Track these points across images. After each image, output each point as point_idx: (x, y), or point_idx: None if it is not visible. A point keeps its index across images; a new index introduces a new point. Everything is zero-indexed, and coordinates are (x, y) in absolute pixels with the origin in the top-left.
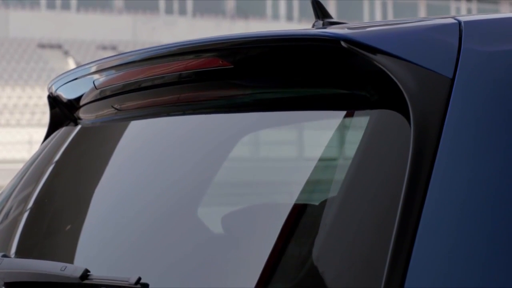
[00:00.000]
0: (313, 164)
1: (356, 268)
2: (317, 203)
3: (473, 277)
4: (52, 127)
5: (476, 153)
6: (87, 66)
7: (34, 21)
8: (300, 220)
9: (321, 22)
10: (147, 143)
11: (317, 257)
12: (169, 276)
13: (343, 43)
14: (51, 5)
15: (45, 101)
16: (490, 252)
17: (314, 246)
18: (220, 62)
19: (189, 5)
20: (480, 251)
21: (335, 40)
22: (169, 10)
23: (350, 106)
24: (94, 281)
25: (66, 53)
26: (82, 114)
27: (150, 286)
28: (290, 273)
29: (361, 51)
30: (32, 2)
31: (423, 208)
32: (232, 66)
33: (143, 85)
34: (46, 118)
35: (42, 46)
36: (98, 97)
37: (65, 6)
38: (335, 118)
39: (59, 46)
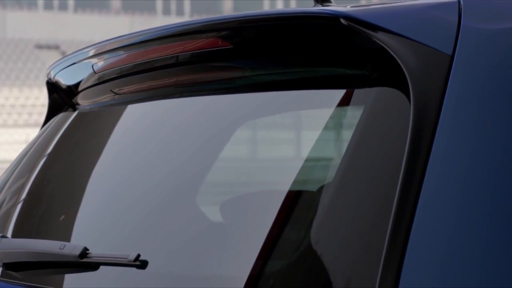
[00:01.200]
0: (312, 144)
1: (354, 249)
2: (315, 186)
3: (473, 254)
4: (51, 113)
5: (476, 130)
6: (85, 50)
7: (31, 22)
8: (299, 203)
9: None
10: (145, 127)
11: (316, 240)
12: (167, 255)
13: (342, 21)
14: (48, 5)
15: (42, 101)
16: (490, 228)
17: (312, 228)
18: (220, 42)
19: (187, 5)
20: (481, 228)
21: (334, 17)
22: (166, 11)
23: (350, 85)
24: (93, 259)
25: (64, 53)
26: (80, 99)
27: (149, 264)
28: (288, 256)
29: (361, 28)
30: (30, 2)
31: (422, 186)
32: (232, 47)
33: (142, 68)
34: (43, 118)
35: (39, 46)
36: (97, 81)
37: (63, 6)
38: (334, 96)
39: (56, 47)
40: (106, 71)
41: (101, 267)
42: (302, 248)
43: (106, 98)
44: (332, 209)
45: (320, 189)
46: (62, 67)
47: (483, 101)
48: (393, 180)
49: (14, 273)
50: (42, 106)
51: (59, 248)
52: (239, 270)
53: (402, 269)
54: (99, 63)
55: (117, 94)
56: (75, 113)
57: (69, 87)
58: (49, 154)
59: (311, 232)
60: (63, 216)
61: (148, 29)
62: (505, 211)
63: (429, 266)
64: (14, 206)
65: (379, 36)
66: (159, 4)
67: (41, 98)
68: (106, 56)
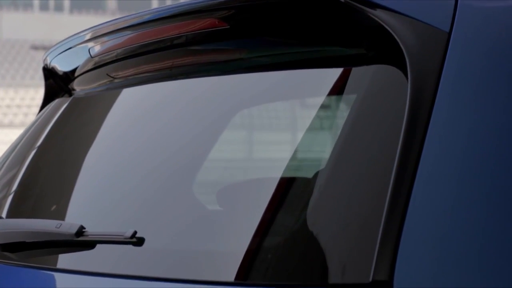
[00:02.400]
0: (308, 125)
1: (350, 232)
2: (312, 167)
3: (472, 235)
4: (47, 99)
5: (474, 107)
6: (81, 34)
7: (27, 23)
8: (296, 187)
9: None
10: (142, 110)
11: (312, 224)
12: (163, 233)
13: None
14: (44, 6)
15: (38, 102)
16: (490, 206)
17: (308, 212)
18: (217, 23)
19: None
20: (479, 207)
21: None
22: None
23: (347, 63)
24: (89, 237)
25: None
26: (76, 85)
27: (145, 241)
28: (283, 239)
29: (358, 5)
30: (25, 3)
31: (419, 166)
32: (229, 27)
33: (139, 51)
34: None
35: (35, 47)
36: (93, 66)
37: (58, 7)
38: (331, 76)
39: None
40: (102, 55)
41: (98, 246)
42: (298, 231)
43: (102, 83)
44: (328, 191)
45: (317, 171)
46: (58, 52)
47: (480, 78)
48: (390, 160)
49: (10, 254)
50: (37, 107)
51: (55, 227)
52: (235, 247)
53: (398, 251)
54: (96, 47)
55: (113, 78)
56: (71, 98)
57: (65, 72)
58: (45, 138)
59: (307, 215)
60: (58, 198)
61: (144, 11)
62: (504, 189)
63: (426, 248)
64: (9, 188)
65: (377, 14)
66: (155, 5)
67: (37, 99)
68: (102, 39)
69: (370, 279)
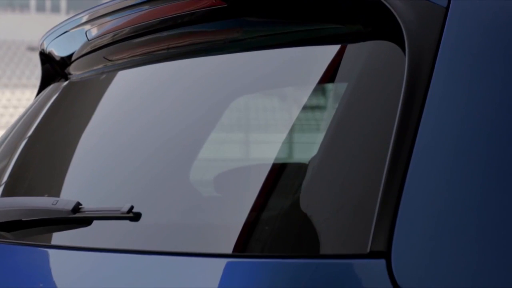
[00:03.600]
0: (304, 103)
1: (347, 207)
2: (310, 144)
3: (470, 203)
4: (44, 84)
5: (471, 80)
6: (78, 17)
7: (23, 24)
8: (294, 163)
9: None
10: (138, 92)
11: (309, 200)
12: (160, 208)
13: None
14: (40, 7)
15: None
16: (487, 178)
17: (305, 188)
18: (214, 1)
19: None
20: (477, 180)
21: None
22: None
23: (344, 40)
24: (86, 213)
25: None
26: (73, 69)
27: (142, 216)
28: (281, 215)
29: None
30: (22, 4)
31: (416, 140)
32: (226, 6)
33: (136, 32)
34: None
35: (31, 49)
36: (90, 50)
37: (55, 8)
38: (328, 53)
39: None
40: (99, 38)
41: (95, 222)
42: (296, 204)
43: (99, 66)
44: (326, 164)
45: (314, 146)
46: (55, 36)
47: (477, 53)
48: (387, 133)
49: (6, 233)
50: None
51: (52, 204)
52: (232, 220)
53: (396, 222)
54: (93, 30)
55: (110, 60)
56: (67, 82)
57: (61, 57)
58: (41, 120)
59: (305, 188)
60: (54, 178)
61: None
62: (501, 162)
63: (424, 220)
64: (5, 168)
65: None
66: None
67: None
68: (99, 21)
69: (368, 250)
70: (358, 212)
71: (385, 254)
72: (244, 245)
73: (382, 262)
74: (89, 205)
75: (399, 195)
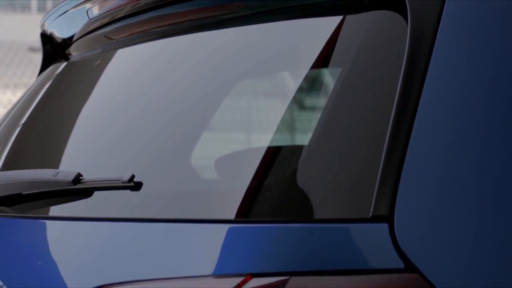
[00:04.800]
0: (305, 75)
1: (349, 171)
2: (312, 112)
3: (472, 167)
4: (45, 65)
5: (471, 52)
6: None
7: (25, 25)
8: (298, 130)
9: None
10: (139, 70)
11: (314, 159)
12: (161, 177)
13: None
14: (42, 8)
15: None
16: (487, 143)
17: (310, 146)
18: None
19: None
20: (479, 140)
21: None
22: None
23: (345, 12)
24: (87, 184)
25: None
26: (74, 49)
27: (144, 185)
28: (286, 175)
29: None
30: (23, 5)
31: (419, 102)
32: None
33: (137, 10)
34: None
35: (32, 49)
36: (91, 29)
37: None
38: (330, 23)
39: None
40: (101, 16)
41: (96, 192)
42: (298, 170)
43: (100, 45)
44: (329, 128)
45: (318, 110)
46: (56, 16)
47: (478, 23)
48: (389, 100)
49: (6, 208)
50: None
51: (52, 176)
52: (234, 186)
53: (398, 187)
54: (93, 9)
55: (111, 39)
56: (68, 62)
57: (62, 37)
58: (42, 97)
59: (308, 153)
60: (54, 151)
61: None
62: (504, 120)
63: (426, 184)
64: (5, 144)
65: None
66: None
67: None
68: (99, 1)
69: (370, 214)
70: (361, 177)
71: (388, 219)
72: (247, 211)
73: (384, 226)
74: (89, 176)
75: (401, 160)
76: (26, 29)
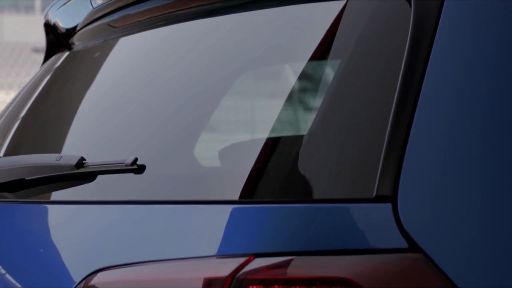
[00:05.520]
0: (308, 58)
1: (355, 143)
2: (317, 90)
3: (474, 146)
4: (48, 55)
5: (476, 27)
6: None
7: (28, 25)
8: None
9: None
10: (144, 57)
11: (317, 139)
12: (164, 159)
13: None
14: (45, 9)
15: None
16: (491, 116)
17: (313, 126)
18: None
19: None
20: (481, 118)
21: None
22: None
23: None
24: (90, 168)
25: None
26: (77, 38)
27: (147, 168)
28: (289, 155)
29: None
30: (27, 6)
31: (423, 81)
32: None
33: None
34: None
35: (36, 50)
36: (95, 18)
37: None
38: (333, 7)
39: None
40: (104, 5)
41: (99, 176)
42: (302, 150)
43: (103, 34)
44: (333, 108)
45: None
46: (59, 6)
47: (480, 9)
48: (393, 81)
49: (8, 194)
50: None
51: (56, 160)
52: (237, 167)
53: (402, 167)
54: None
55: (114, 27)
56: (71, 51)
57: (66, 27)
58: (45, 84)
59: (311, 133)
60: (58, 136)
61: None
62: (506, 102)
63: (430, 164)
64: (8, 131)
65: None
66: None
67: None
68: None
69: (374, 195)
70: (364, 157)
71: (391, 198)
72: (251, 191)
73: (388, 206)
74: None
75: (405, 140)
76: (30, 30)
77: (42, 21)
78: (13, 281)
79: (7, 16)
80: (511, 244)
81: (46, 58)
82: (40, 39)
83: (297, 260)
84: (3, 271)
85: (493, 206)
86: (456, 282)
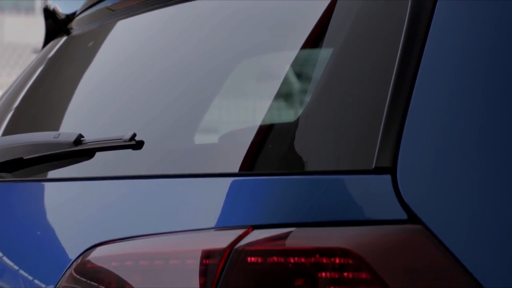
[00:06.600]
0: (306, 37)
1: (354, 115)
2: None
3: (473, 118)
4: (48, 39)
5: (472, 20)
6: None
7: (29, 27)
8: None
9: None
10: (143, 41)
11: (316, 111)
12: (162, 134)
13: None
14: None
15: None
16: (490, 88)
17: (312, 98)
18: None
19: None
20: (480, 91)
21: None
22: None
23: None
24: (88, 145)
25: None
26: (76, 23)
27: (145, 143)
28: (289, 127)
29: None
30: (27, 7)
31: (422, 56)
32: None
33: None
34: None
35: (37, 51)
36: (93, 2)
37: None
38: None
39: None
40: None
41: (98, 152)
42: (301, 121)
43: (101, 18)
44: (331, 83)
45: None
46: None
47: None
48: (392, 54)
49: (6, 174)
50: None
51: (54, 137)
52: (237, 140)
53: (401, 139)
54: None
55: (113, 10)
56: (70, 35)
57: (65, 12)
58: (44, 67)
59: (310, 105)
60: (56, 117)
61: None
62: (500, 80)
63: (429, 136)
64: (6, 112)
65: None
66: None
67: None
68: None
69: (373, 166)
70: (363, 128)
71: (391, 170)
72: (251, 164)
73: (387, 177)
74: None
75: (404, 111)
76: (31, 31)
77: (42, 21)
78: (13, 257)
79: (7, 17)
80: (511, 215)
81: (45, 43)
82: (41, 40)
83: (296, 232)
84: (2, 249)
85: (493, 177)
86: (456, 253)
